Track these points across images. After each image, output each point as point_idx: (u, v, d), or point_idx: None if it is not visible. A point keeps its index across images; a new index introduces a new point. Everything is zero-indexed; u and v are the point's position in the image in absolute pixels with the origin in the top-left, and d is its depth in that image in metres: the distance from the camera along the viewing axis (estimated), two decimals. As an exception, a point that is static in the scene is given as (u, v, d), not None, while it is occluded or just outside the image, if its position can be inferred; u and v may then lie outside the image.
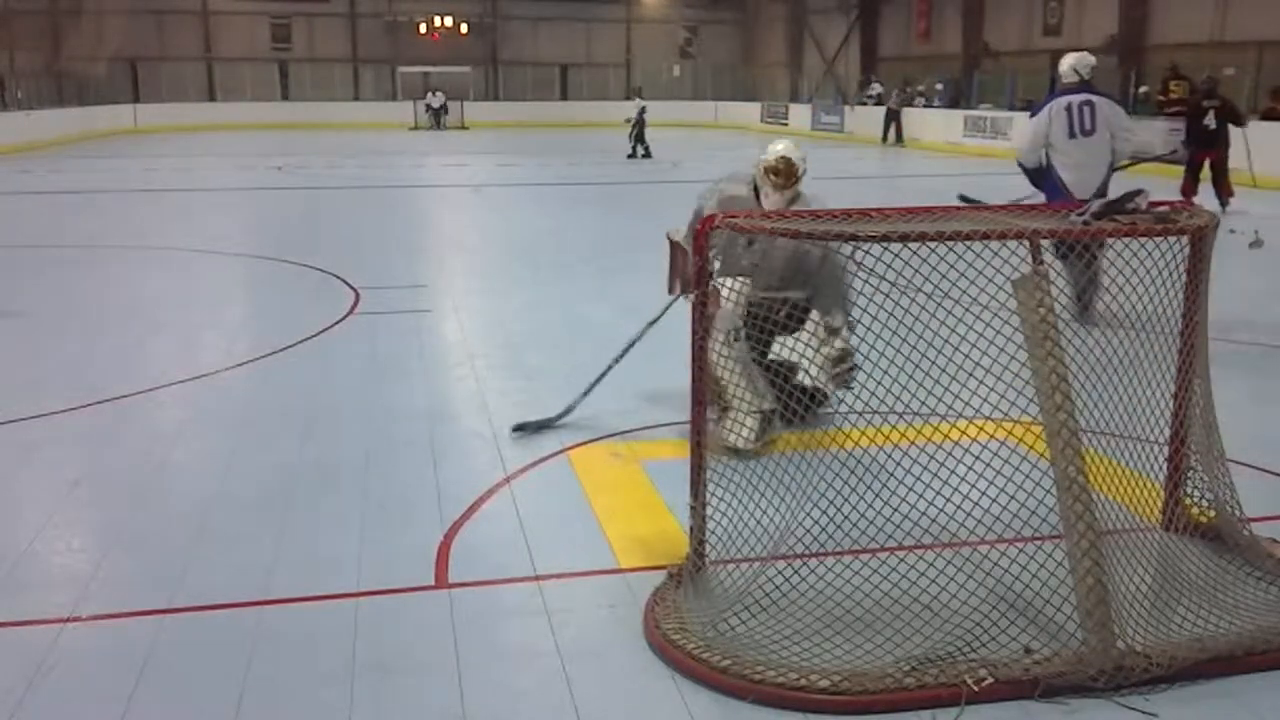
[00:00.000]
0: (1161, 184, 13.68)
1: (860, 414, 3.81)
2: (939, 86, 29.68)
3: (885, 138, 28.60)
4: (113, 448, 5.23)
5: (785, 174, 5.20)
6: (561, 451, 5.04)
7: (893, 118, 28.59)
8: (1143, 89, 21.32)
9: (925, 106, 29.25)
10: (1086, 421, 3.28)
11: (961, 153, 24.95)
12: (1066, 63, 7.70)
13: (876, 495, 3.63)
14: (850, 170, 17.24)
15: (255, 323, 8.09)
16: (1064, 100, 7.47)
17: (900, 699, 2.96)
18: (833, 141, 29.56)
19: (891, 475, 3.65)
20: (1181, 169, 11.41)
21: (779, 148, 5.30)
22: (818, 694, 2.96)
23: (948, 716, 2.92)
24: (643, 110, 23.34)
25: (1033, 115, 7.83)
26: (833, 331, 5.13)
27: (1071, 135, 7.41)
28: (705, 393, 3.57)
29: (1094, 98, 7.46)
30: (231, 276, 9.69)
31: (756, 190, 5.30)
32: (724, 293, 4.96)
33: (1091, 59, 7.70)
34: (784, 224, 3.59)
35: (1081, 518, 3.12)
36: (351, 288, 8.90)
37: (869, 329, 3.64)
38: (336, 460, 4.95)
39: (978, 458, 3.43)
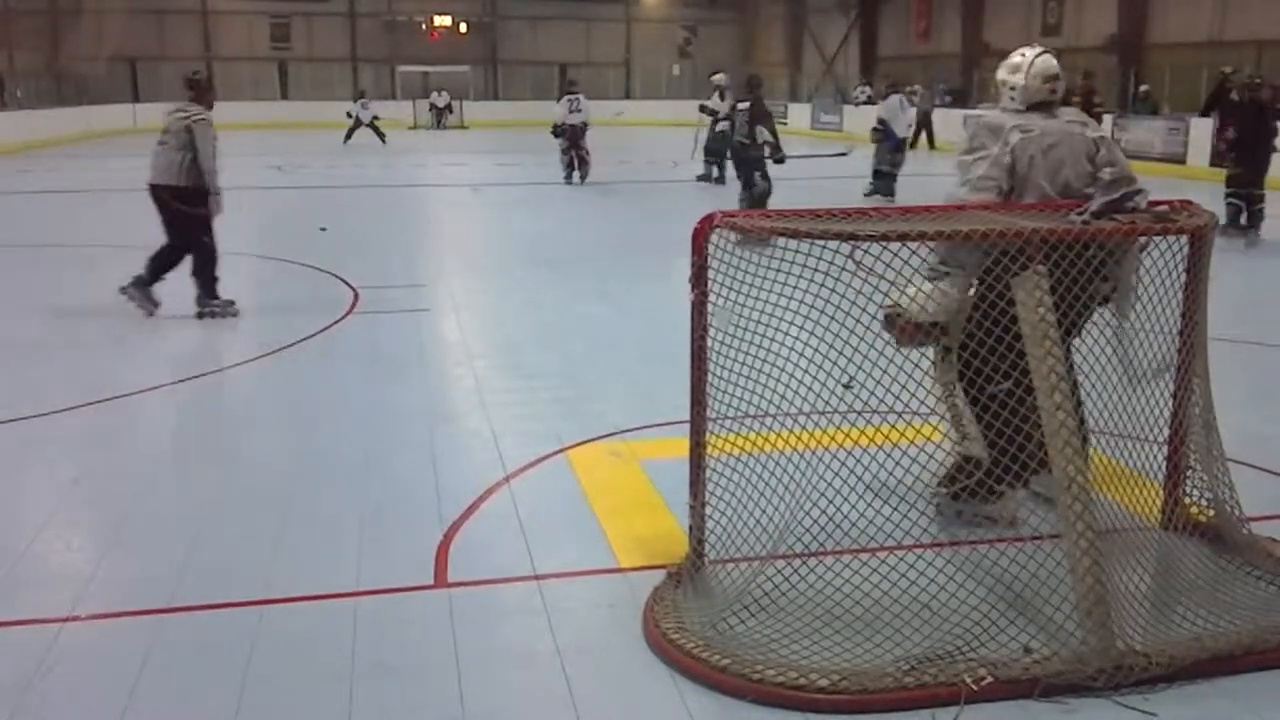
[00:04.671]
0: (1158, 182, 13.69)
1: (860, 414, 3.81)
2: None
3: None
4: (113, 447, 5.23)
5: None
6: (561, 451, 5.04)
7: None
8: (1143, 88, 21.31)
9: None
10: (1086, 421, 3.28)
11: (962, 152, 24.71)
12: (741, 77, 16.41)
13: (876, 495, 3.63)
14: (855, 169, 17.25)
15: (255, 322, 8.08)
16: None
17: (900, 698, 2.96)
18: (832, 140, 29.55)
19: (891, 475, 3.64)
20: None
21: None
22: (817, 693, 2.96)
23: (947, 716, 2.92)
24: (363, 108, 28.04)
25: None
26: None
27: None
28: (704, 392, 3.54)
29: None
30: (231, 276, 9.65)
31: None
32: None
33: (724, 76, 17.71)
34: (783, 224, 3.57)
35: (1081, 517, 3.12)
36: (351, 287, 8.90)
37: (868, 328, 3.64)
38: (336, 460, 4.95)
39: (977, 457, 3.43)
